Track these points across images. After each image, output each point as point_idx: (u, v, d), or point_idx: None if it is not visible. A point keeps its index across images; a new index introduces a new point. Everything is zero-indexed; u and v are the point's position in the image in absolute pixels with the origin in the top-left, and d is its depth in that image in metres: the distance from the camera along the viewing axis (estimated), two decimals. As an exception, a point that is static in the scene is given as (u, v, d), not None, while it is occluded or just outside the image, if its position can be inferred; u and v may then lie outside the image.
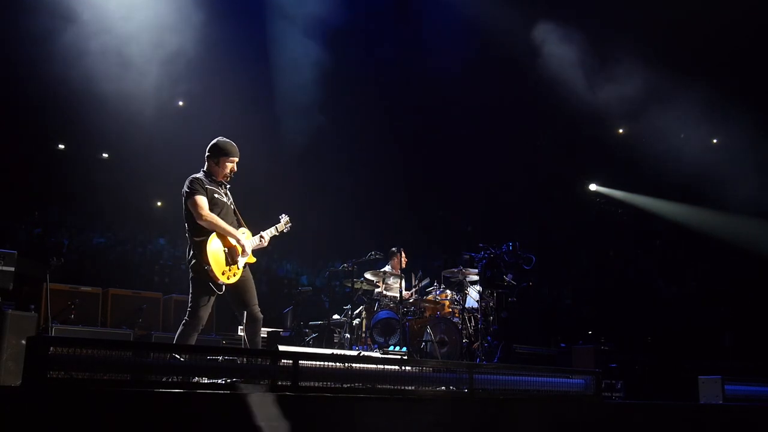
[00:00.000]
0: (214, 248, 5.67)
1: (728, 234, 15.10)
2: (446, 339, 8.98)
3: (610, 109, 12.90)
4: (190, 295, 5.68)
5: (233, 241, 5.79)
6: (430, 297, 9.70)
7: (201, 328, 5.61)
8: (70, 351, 3.58)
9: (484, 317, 9.45)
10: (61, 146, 14.27)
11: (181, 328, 5.57)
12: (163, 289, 9.78)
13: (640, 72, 12.17)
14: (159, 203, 15.60)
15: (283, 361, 4.20)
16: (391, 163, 14.00)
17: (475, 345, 9.22)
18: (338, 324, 10.23)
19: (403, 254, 10.24)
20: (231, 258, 5.74)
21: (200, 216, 5.64)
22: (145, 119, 11.87)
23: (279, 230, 6.35)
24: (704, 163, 13.73)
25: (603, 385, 7.52)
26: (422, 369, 4.98)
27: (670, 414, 5.97)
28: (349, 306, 10.14)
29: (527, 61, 12.39)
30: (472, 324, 9.47)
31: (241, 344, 8.26)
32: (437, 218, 14.20)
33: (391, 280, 10.12)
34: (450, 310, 9.56)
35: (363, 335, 9.65)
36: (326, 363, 4.39)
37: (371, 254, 10.00)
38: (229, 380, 4.08)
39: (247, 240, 5.91)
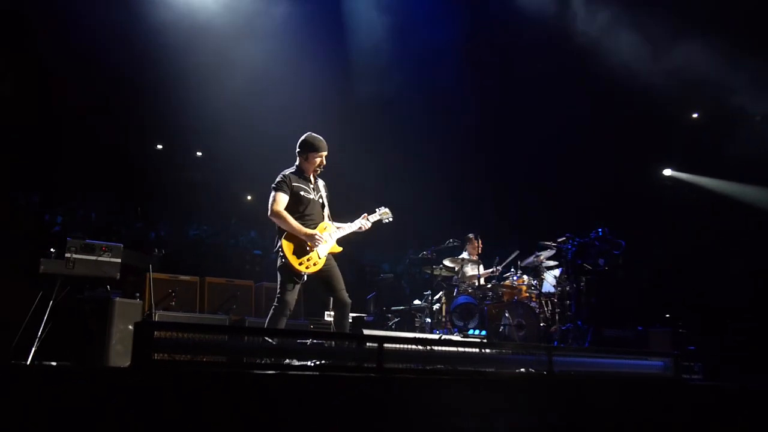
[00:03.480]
0: (290, 240, 5.77)
1: None
2: (524, 323, 8.89)
3: (684, 90, 12.43)
4: (278, 282, 5.79)
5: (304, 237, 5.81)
6: (507, 282, 9.62)
7: (289, 312, 5.69)
8: (173, 335, 3.70)
9: (561, 302, 9.32)
10: (159, 146, 14.74)
11: (270, 312, 5.68)
12: (254, 278, 9.98)
13: (711, 50, 11.69)
14: (249, 197, 15.93)
15: (368, 344, 4.23)
16: (469, 150, 13.87)
17: (553, 328, 9.09)
18: (419, 309, 10.24)
19: (480, 240, 10.17)
20: (306, 249, 5.79)
21: (270, 211, 5.77)
22: (234, 117, 12.15)
23: (372, 221, 6.38)
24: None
25: (683, 367, 7.29)
26: (501, 351, 4.93)
27: (754, 396, 5.73)
28: (429, 291, 10.14)
29: (600, 43, 12.08)
30: (549, 308, 9.35)
31: (329, 328, 8.39)
32: (514, 204, 13.99)
33: (468, 266, 10.08)
34: (527, 294, 9.46)
35: (443, 319, 9.65)
36: (409, 346, 4.40)
37: (449, 242, 9.98)
38: (318, 362, 4.14)
39: (324, 234, 5.91)
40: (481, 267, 9.83)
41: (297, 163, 6.07)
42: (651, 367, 5.34)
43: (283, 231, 5.78)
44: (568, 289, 9.28)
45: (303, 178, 6.02)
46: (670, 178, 15.54)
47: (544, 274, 9.62)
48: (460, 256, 10.16)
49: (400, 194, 12.92)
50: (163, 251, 8.92)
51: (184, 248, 13.32)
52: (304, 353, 4.16)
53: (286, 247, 5.74)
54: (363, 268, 14.01)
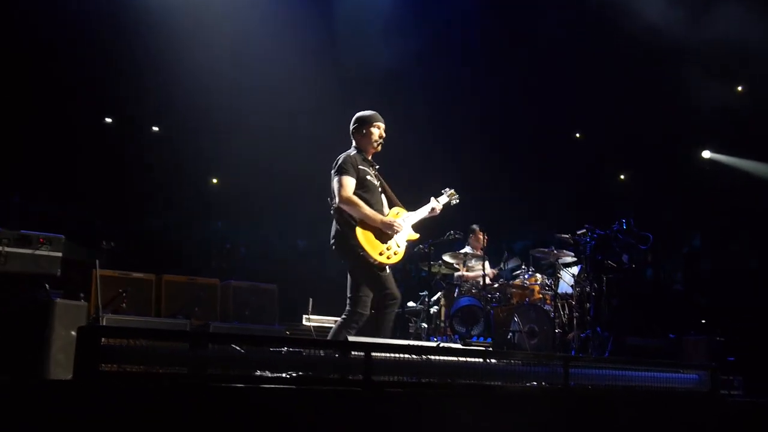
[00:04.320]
0: (365, 229, 5.84)
1: None
2: (536, 329, 8.94)
3: (729, 62, 12.47)
4: (351, 283, 5.90)
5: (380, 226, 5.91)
6: (517, 281, 9.65)
7: (363, 321, 5.81)
8: (123, 342, 3.70)
9: (579, 305, 9.35)
10: (109, 120, 14.66)
11: (341, 320, 5.79)
12: (220, 275, 9.98)
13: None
14: (214, 181, 15.88)
15: (353, 353, 4.24)
16: (478, 127, 13.88)
17: (570, 335, 9.14)
18: (414, 312, 10.28)
19: (485, 233, 10.19)
20: (384, 238, 5.90)
21: (341, 197, 5.83)
22: (201, 90, 12.12)
23: (442, 203, 6.59)
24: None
25: (720, 382, 7.35)
26: (510, 362, 4.95)
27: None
28: (425, 292, 10.16)
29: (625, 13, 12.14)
30: (566, 312, 9.39)
31: (308, 335, 8.40)
32: (527, 192, 14.02)
33: (472, 262, 10.10)
34: (540, 296, 9.50)
35: (442, 325, 9.69)
36: (402, 355, 4.41)
37: (450, 234, 9.97)
38: (294, 374, 4.14)
39: (398, 219, 6.05)
40: (487, 264, 9.86)
41: (354, 144, 6.20)
42: (684, 380, 5.38)
43: (350, 220, 5.83)
44: (588, 289, 9.33)
45: (365, 160, 6.15)
46: (709, 161, 15.59)
47: (561, 273, 9.65)
48: (462, 251, 10.19)
49: (395, 178, 12.96)
50: (113, 244, 8.89)
51: (138, 240, 13.29)
52: (278, 364, 4.16)
53: (363, 237, 5.80)
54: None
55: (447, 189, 6.74)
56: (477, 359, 4.92)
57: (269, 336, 7.28)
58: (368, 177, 6.04)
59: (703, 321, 12.33)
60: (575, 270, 9.76)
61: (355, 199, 5.85)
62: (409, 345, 4.88)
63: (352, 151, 6.12)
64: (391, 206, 6.22)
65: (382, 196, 6.19)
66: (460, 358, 4.82)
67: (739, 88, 14.34)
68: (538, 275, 9.70)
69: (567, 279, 9.63)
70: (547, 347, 8.75)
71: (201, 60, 11.80)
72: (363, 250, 5.76)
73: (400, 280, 12.48)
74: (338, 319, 5.93)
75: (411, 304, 10.43)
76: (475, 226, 10.37)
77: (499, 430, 4.39)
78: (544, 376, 4.94)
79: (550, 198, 13.75)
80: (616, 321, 9.13)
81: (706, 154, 15.40)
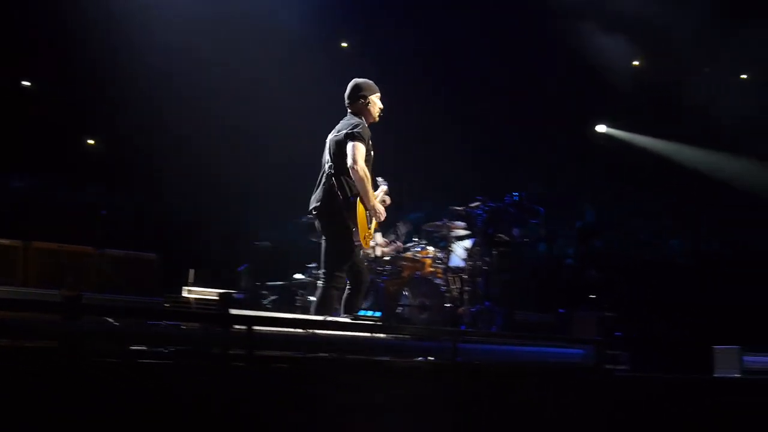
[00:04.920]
0: (361, 210, 6.03)
1: (761, 186, 15.28)
2: (427, 303, 9.07)
3: (623, 36, 12.90)
4: (331, 252, 6.09)
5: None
6: (409, 254, 9.75)
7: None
8: (-15, 313, 3.58)
9: (471, 279, 9.55)
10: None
11: (322, 294, 6.04)
12: (95, 243, 9.72)
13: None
14: (91, 141, 15.39)
15: (235, 326, 4.22)
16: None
17: (461, 310, 9.32)
18: (301, 285, 10.27)
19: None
20: (370, 222, 6.13)
21: (357, 163, 5.90)
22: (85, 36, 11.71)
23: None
24: (731, 103, 13.82)
25: (606, 356, 7.69)
26: (398, 336, 5.03)
27: (679, 389, 6.11)
28: (314, 264, 10.17)
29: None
30: (457, 286, 9.56)
31: (189, 307, 8.30)
32: (422, 162, 14.16)
33: (364, 235, 10.17)
34: (432, 269, 9.63)
35: (330, 298, 9.71)
36: (286, 329, 4.42)
37: (341, 204, 9.99)
38: (172, 349, 4.10)
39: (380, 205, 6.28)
40: (379, 236, 9.94)
41: (354, 113, 6.30)
42: (570, 355, 5.59)
43: (354, 197, 5.98)
44: (480, 263, 9.53)
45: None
46: (604, 135, 16.11)
47: (453, 246, 9.82)
48: (354, 222, 10.23)
49: (284, 143, 12.88)
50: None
51: (3, 203, 12.80)
52: (156, 338, 4.11)
53: (360, 212, 5.99)
54: (234, 234, 13.89)
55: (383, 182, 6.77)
56: (365, 334, 4.99)
57: (146, 308, 7.17)
58: (372, 152, 6.19)
59: (593, 296, 12.81)
60: (468, 243, 9.93)
61: (367, 172, 5.99)
62: (294, 318, 4.90)
63: (364, 121, 6.21)
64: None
65: None
66: (348, 333, 4.88)
67: (635, 63, 14.85)
68: (430, 248, 9.83)
69: (459, 252, 9.80)
70: (438, 322, 8.90)
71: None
72: (355, 225, 5.95)
73: (288, 251, 12.52)
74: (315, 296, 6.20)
75: (299, 276, 10.42)
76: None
77: (387, 406, 4.46)
78: (434, 351, 5.05)
79: (445, 170, 13.93)
80: (506, 296, 9.38)
81: (602, 128, 15.91)
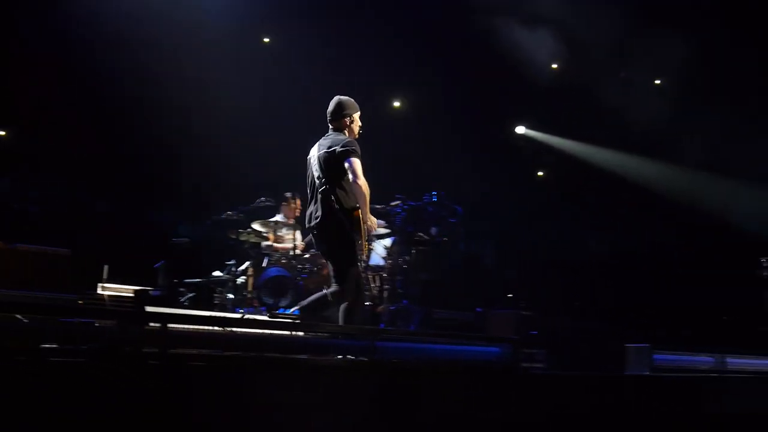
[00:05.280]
0: (360, 222, 6.23)
1: (674, 189, 15.76)
2: (346, 301, 9.08)
3: (542, 40, 13.13)
4: (340, 266, 6.27)
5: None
6: (329, 252, 9.75)
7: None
8: None
9: (391, 277, 9.61)
10: None
11: (347, 307, 6.20)
12: (5, 238, 9.42)
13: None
14: (1, 132, 14.91)
15: (150, 324, 4.16)
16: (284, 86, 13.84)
17: (380, 308, 9.37)
18: (220, 282, 10.17)
19: (299, 201, 10.23)
20: (368, 233, 6.37)
21: (360, 178, 6.14)
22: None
23: None
24: (647, 107, 14.21)
25: (522, 355, 7.83)
26: (317, 335, 5.04)
27: (592, 385, 6.26)
28: (233, 261, 10.09)
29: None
30: (377, 284, 9.61)
31: (103, 304, 8.12)
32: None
33: (283, 231, 10.12)
34: (352, 267, 9.65)
35: (249, 296, 9.65)
36: (202, 327, 4.38)
37: (261, 201, 9.95)
38: (85, 347, 4.02)
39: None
40: (299, 234, 9.91)
41: (337, 129, 6.51)
42: (486, 354, 5.67)
43: (354, 209, 6.21)
44: (399, 262, 9.59)
45: None
46: (522, 136, 16.37)
47: (373, 244, 9.86)
48: (273, 219, 10.18)
49: (202, 140, 12.71)
50: None
51: None
52: (68, 335, 4.02)
53: (359, 226, 6.21)
54: (151, 229, 13.65)
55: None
56: (283, 332, 4.97)
57: (58, 305, 6.99)
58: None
59: (510, 295, 13.02)
60: (388, 242, 9.99)
61: (367, 186, 6.19)
62: (211, 316, 4.85)
63: (351, 138, 6.42)
64: None
65: None
66: (266, 331, 4.86)
67: (554, 66, 15.12)
68: (350, 246, 9.84)
69: (379, 251, 9.85)
70: (358, 320, 8.92)
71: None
72: (360, 238, 6.21)
73: (206, 248, 12.37)
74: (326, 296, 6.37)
75: (217, 273, 10.32)
76: (288, 194, 10.35)
77: (305, 404, 4.46)
78: (352, 349, 5.07)
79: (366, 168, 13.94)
80: (424, 294, 9.46)
81: (520, 129, 16.16)
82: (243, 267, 9.98)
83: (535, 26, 12.81)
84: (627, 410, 6.35)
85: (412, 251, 9.60)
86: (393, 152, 14.02)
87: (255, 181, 12.34)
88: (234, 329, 4.57)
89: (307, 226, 6.59)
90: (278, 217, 10.29)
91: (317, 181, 6.36)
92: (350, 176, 6.17)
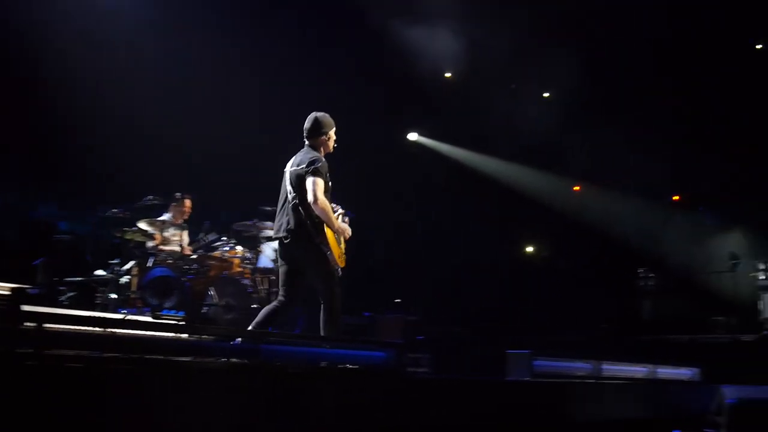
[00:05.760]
0: (330, 233, 6.45)
1: (560, 200, 16.25)
2: (233, 303, 9.02)
3: (436, 49, 13.34)
4: (321, 278, 6.48)
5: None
6: (216, 253, 9.66)
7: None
8: None
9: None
10: None
11: (326, 316, 6.46)
12: None
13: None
14: None
15: (25, 323, 4.03)
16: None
17: (268, 311, 9.32)
18: (103, 282, 9.91)
19: (189, 202, 10.09)
20: (338, 243, 6.59)
21: (319, 199, 6.35)
22: None
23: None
24: (535, 119, 14.62)
25: (407, 359, 7.93)
26: (201, 337, 4.97)
27: (474, 390, 6.39)
28: (117, 260, 9.86)
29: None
30: (265, 287, 9.57)
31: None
32: (234, 162, 13.98)
33: (170, 232, 9.96)
34: (240, 269, 9.59)
35: (132, 296, 9.45)
36: (81, 327, 4.26)
37: (148, 199, 9.77)
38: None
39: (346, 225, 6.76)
40: (186, 234, 9.77)
41: (309, 144, 6.75)
42: (372, 358, 5.71)
43: (315, 219, 6.39)
44: (289, 265, 9.56)
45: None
46: (415, 143, 16.58)
47: (262, 246, 9.81)
48: (161, 219, 10.00)
49: (87, 130, 12.37)
50: None
51: None
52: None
53: (330, 237, 6.43)
54: (31, 225, 13.22)
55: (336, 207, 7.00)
56: (167, 334, 4.89)
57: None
58: (329, 182, 6.62)
59: (398, 300, 13.17)
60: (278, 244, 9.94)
61: (327, 203, 6.43)
62: (91, 316, 4.72)
63: (322, 156, 6.66)
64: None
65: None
66: (149, 333, 4.77)
67: (448, 75, 15.39)
68: (239, 248, 9.78)
69: (269, 253, 9.81)
70: (245, 322, 8.86)
71: None
72: (329, 249, 6.37)
73: (89, 246, 12.05)
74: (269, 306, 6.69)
75: (100, 272, 10.05)
76: (178, 194, 10.19)
77: (187, 407, 4.41)
78: (236, 352, 5.02)
79: (257, 168, 13.84)
80: (310, 297, 9.47)
81: (413, 136, 16.36)
82: (127, 266, 9.76)
83: (429, 34, 13.00)
84: (508, 415, 6.51)
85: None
86: (286, 152, 13.98)
87: (144, 179, 12.08)
88: (115, 330, 4.47)
89: (274, 236, 6.78)
90: (166, 217, 10.11)
91: (289, 195, 6.57)
92: (309, 196, 6.37)
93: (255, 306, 9.12)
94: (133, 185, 11.35)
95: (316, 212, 6.38)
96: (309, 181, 6.41)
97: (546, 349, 7.71)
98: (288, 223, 6.52)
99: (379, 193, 14.64)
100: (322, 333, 6.41)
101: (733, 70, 15.04)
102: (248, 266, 9.62)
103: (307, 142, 6.79)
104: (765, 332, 14.38)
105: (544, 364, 7.30)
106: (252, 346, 4.98)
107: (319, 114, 6.83)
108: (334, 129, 6.87)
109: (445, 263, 15.59)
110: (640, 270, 15.85)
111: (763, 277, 14.51)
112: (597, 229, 16.07)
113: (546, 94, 16.26)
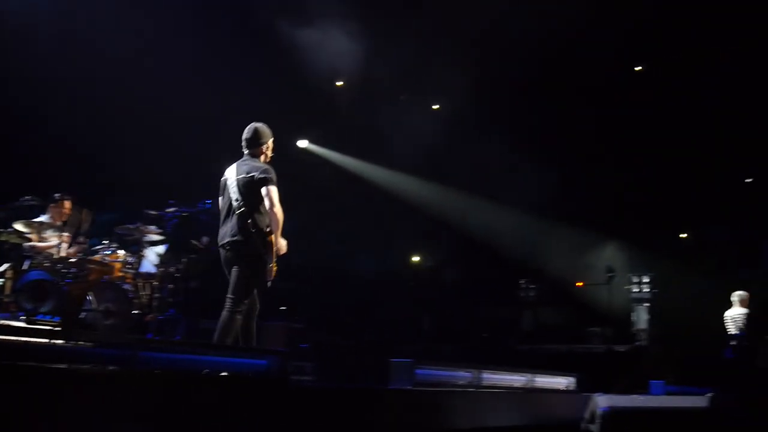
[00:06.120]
0: (272, 241, 6.63)
1: (447, 211, 16.53)
2: (113, 309, 8.82)
3: (329, 57, 13.40)
4: (239, 280, 6.61)
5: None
6: (97, 257, 9.42)
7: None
8: None
9: (162, 285, 9.43)
10: None
11: (239, 318, 6.59)
12: None
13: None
14: None
15: None
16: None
17: (149, 317, 9.17)
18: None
19: (68, 203, 9.82)
20: (275, 254, 6.72)
21: (277, 206, 6.61)
22: None
23: None
24: (425, 131, 14.86)
25: (291, 368, 7.93)
26: (77, 343, 4.85)
27: (358, 399, 6.43)
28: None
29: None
30: (147, 292, 9.40)
31: None
32: (117, 163, 13.64)
33: (48, 233, 9.66)
34: (121, 274, 9.38)
35: (6, 300, 9.12)
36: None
37: (25, 199, 9.46)
38: None
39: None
40: (66, 236, 9.50)
41: (249, 152, 6.92)
42: (254, 366, 5.68)
43: (270, 233, 6.62)
44: (172, 270, 9.43)
45: None
46: (304, 150, 16.60)
47: (145, 251, 9.63)
48: (38, 220, 9.69)
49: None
50: None
51: None
52: None
53: (272, 248, 6.63)
54: None
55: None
56: (41, 339, 4.74)
57: None
58: None
59: (284, 308, 13.13)
60: (162, 249, 9.81)
61: (282, 214, 6.63)
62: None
63: (263, 161, 6.88)
64: None
65: None
66: (22, 338, 4.62)
67: (339, 83, 15.47)
68: (121, 252, 9.55)
69: (151, 258, 9.65)
70: (124, 329, 8.70)
71: None
72: (271, 260, 6.60)
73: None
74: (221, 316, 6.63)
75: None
76: (57, 195, 9.88)
77: (60, 416, 4.30)
78: (114, 359, 4.91)
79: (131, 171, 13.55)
80: (191, 304, 9.37)
81: (303, 143, 16.38)
82: (1, 269, 9.41)
83: (321, 41, 13.06)
84: (390, 423, 6.59)
85: (183, 259, 9.46)
86: (174, 154, 13.79)
87: (23, 179, 11.67)
88: (-16, 335, 4.31)
89: (219, 243, 6.86)
90: (44, 218, 9.79)
91: (234, 204, 6.72)
92: (267, 203, 6.60)
93: (136, 312, 8.94)
94: (9, 185, 10.94)
95: (275, 219, 6.61)
96: (265, 190, 6.62)
97: (428, 358, 7.83)
98: (233, 231, 6.69)
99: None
100: (218, 332, 6.54)
101: (614, 90, 15.70)
102: (130, 271, 9.41)
103: (246, 152, 6.94)
104: (637, 343, 15.02)
105: (426, 372, 7.41)
106: (130, 353, 4.88)
107: (258, 124, 7.02)
108: (273, 139, 7.05)
109: (332, 271, 15.64)
110: (522, 281, 16.29)
111: (637, 290, 15.15)
112: (481, 240, 16.43)
113: (435, 106, 16.54)
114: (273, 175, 6.73)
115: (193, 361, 5.24)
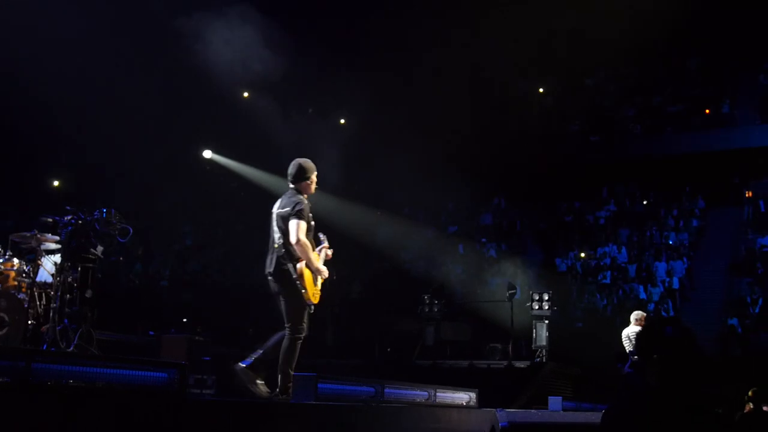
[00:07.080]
0: (308, 269, 6.98)
1: (350, 226, 16.56)
2: (6, 318, 8.51)
3: (234, 68, 13.31)
4: (290, 311, 7.03)
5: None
6: (-10, 265, 9.08)
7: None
8: None
9: (60, 295, 9.13)
10: None
11: (288, 343, 7.00)
12: None
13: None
14: None
15: None
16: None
17: (44, 328, 8.87)
18: None
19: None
20: (316, 281, 7.15)
21: (296, 239, 6.88)
22: None
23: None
24: (329, 143, 14.87)
25: (192, 380, 7.79)
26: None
27: (258, 412, 6.37)
28: None
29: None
30: (43, 302, 9.10)
31: None
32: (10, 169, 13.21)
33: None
34: (16, 283, 9.05)
35: None
36: None
37: None
38: None
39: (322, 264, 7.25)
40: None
41: (294, 187, 7.23)
42: (153, 378, 5.56)
43: (296, 260, 6.94)
44: (70, 279, 9.15)
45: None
46: (210, 161, 16.42)
47: (42, 259, 9.32)
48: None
49: None
50: None
51: None
52: None
53: (307, 276, 6.99)
54: None
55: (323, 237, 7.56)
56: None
57: None
58: (312, 222, 7.17)
59: (185, 320, 12.91)
60: (59, 258, 9.50)
61: (307, 243, 6.97)
62: None
63: (304, 198, 7.16)
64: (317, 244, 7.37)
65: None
66: None
67: (246, 95, 15.40)
68: (16, 260, 9.22)
69: (48, 267, 9.33)
70: (19, 339, 8.40)
71: None
72: (304, 288, 6.93)
73: None
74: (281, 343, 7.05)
75: None
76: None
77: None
78: (7, 371, 4.74)
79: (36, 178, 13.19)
80: (86, 314, 9.11)
81: (207, 153, 16.21)
82: None
83: (228, 53, 12.96)
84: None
85: (78, 268, 9.19)
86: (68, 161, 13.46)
87: None
88: None
89: (266, 271, 7.22)
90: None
91: (275, 236, 7.12)
92: (292, 237, 6.89)
93: (32, 322, 8.63)
94: None
95: (298, 250, 6.92)
96: (292, 223, 6.94)
97: (331, 373, 7.81)
98: (273, 263, 7.07)
99: (169, 210, 14.35)
100: (281, 357, 6.97)
101: (515, 113, 16.07)
102: (26, 280, 9.08)
103: (291, 186, 7.29)
104: (537, 359, 15.31)
105: (328, 387, 7.41)
106: (22, 365, 4.71)
107: (302, 160, 7.35)
108: (316, 173, 7.35)
109: (237, 284, 15.47)
110: (425, 296, 16.40)
111: (537, 308, 15.45)
112: (385, 255, 16.51)
113: (342, 121, 16.61)
114: (302, 210, 7.01)
115: (88, 373, 5.10)
